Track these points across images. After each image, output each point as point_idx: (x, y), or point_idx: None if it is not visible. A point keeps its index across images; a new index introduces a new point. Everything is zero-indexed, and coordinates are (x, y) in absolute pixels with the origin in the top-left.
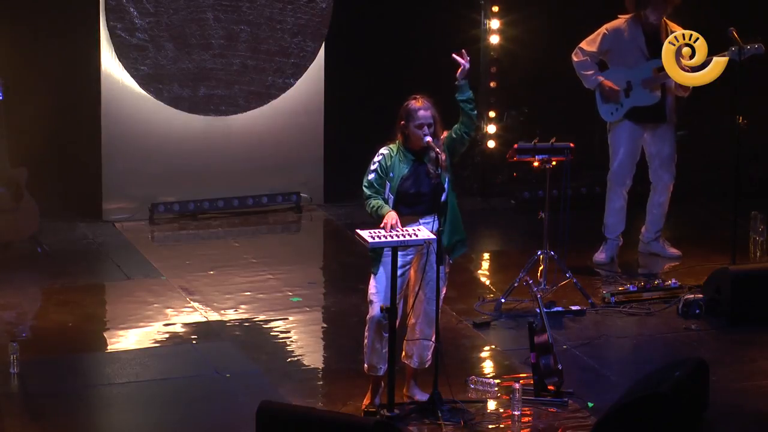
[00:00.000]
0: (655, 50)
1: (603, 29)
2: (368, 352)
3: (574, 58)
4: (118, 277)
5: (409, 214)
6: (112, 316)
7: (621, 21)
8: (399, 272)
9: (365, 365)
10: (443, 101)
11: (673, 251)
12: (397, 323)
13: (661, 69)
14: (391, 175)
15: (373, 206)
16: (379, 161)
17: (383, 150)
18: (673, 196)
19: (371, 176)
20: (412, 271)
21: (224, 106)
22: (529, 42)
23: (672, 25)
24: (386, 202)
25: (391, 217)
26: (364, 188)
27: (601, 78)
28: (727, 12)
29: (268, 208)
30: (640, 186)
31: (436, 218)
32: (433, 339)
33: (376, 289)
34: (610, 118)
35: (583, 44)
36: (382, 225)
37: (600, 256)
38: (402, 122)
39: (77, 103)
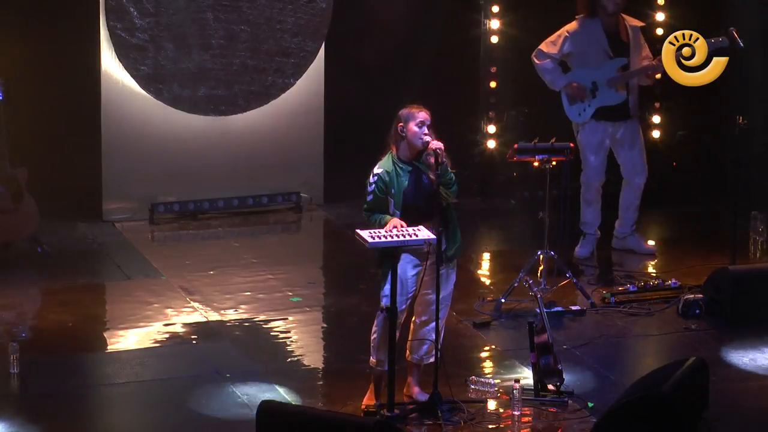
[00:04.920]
0: (617, 49)
1: (564, 31)
2: (377, 347)
3: (536, 61)
4: (118, 277)
5: (416, 223)
6: (112, 316)
7: (580, 22)
8: (412, 272)
9: (373, 360)
10: (442, 100)
11: (649, 246)
12: (402, 321)
13: (625, 67)
14: (392, 191)
15: (376, 220)
16: (375, 182)
17: (377, 170)
18: (674, 196)
19: (369, 198)
20: (424, 272)
21: (224, 106)
22: (529, 42)
23: (629, 19)
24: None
25: (395, 222)
26: (364, 212)
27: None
28: (728, 12)
29: (268, 208)
30: (612, 185)
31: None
32: (433, 337)
33: (389, 285)
34: (578, 119)
35: (542, 46)
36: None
37: (581, 250)
38: (400, 125)
39: (77, 103)
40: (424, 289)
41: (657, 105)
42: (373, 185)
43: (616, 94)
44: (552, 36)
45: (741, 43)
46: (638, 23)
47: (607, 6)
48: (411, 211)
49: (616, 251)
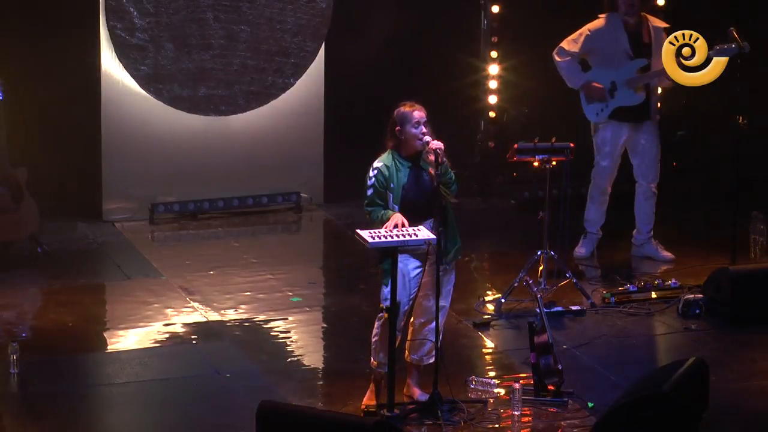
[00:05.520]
0: (638, 50)
1: (585, 29)
2: (378, 349)
3: (556, 58)
4: (118, 277)
5: (415, 219)
6: (112, 316)
7: (602, 21)
8: (413, 274)
9: (374, 361)
10: (442, 100)
11: (667, 254)
12: (402, 322)
13: (645, 69)
14: (392, 185)
15: (378, 216)
16: (375, 176)
17: (377, 164)
18: (674, 196)
19: (369, 192)
20: (424, 273)
21: (224, 106)
22: (529, 41)
23: (653, 20)
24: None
25: (397, 217)
26: (365, 207)
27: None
28: (727, 12)
29: (268, 208)
30: (627, 185)
31: (432, 222)
32: (433, 338)
33: (390, 288)
34: (595, 119)
35: (564, 44)
36: (385, 226)
37: (580, 250)
38: (397, 128)
39: (77, 103)
40: (423, 290)
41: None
42: (373, 179)
43: (634, 95)
44: (574, 34)
45: (741, 43)
46: (662, 24)
47: (620, 6)
48: (410, 208)
49: (619, 255)
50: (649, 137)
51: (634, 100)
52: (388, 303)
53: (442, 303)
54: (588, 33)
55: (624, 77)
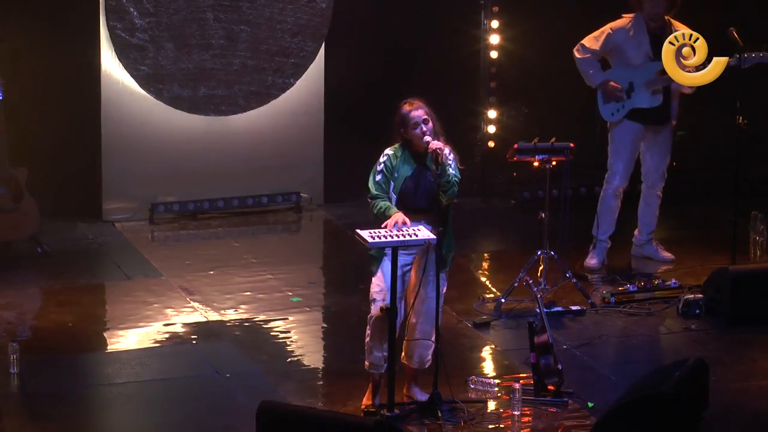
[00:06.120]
0: (659, 52)
1: (608, 28)
2: (369, 350)
3: (576, 55)
4: (118, 277)
5: (410, 214)
6: (112, 316)
7: (625, 21)
8: (399, 272)
9: (366, 363)
10: (442, 100)
11: (666, 255)
12: (398, 323)
13: (665, 72)
14: (396, 175)
15: (380, 207)
16: (384, 161)
17: (388, 151)
18: (674, 196)
19: (378, 177)
20: (413, 272)
21: (224, 106)
22: (530, 42)
23: (677, 25)
24: (390, 201)
25: (398, 217)
26: (371, 189)
27: (604, 77)
28: (728, 12)
29: (268, 208)
30: (631, 185)
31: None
32: (433, 339)
33: (378, 287)
34: (611, 118)
35: (585, 41)
36: (384, 224)
37: (591, 261)
38: (401, 129)
39: (77, 103)
40: (418, 292)
41: None
42: (382, 165)
43: (651, 97)
44: (596, 32)
45: (741, 44)
46: (687, 30)
47: (645, 8)
48: (408, 202)
49: (619, 255)
50: (663, 143)
51: (652, 103)
52: (380, 302)
53: (432, 309)
54: (610, 32)
55: (643, 79)
